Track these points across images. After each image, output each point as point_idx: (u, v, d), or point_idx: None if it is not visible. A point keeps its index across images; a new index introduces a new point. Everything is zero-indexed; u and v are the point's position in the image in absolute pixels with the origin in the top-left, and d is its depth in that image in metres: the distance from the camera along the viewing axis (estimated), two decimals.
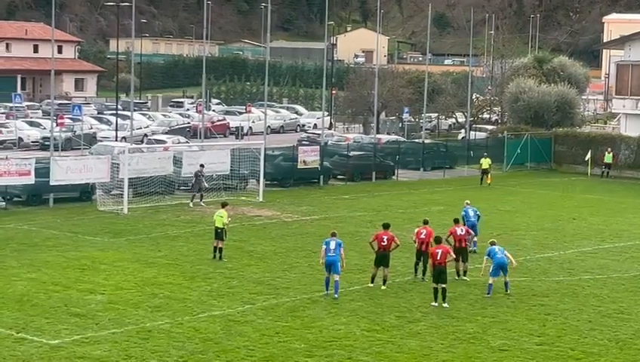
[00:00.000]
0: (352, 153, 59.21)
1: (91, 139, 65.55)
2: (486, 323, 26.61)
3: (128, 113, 60.76)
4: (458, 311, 27.65)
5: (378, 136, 69.33)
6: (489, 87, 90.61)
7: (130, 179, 44.09)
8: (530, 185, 59.21)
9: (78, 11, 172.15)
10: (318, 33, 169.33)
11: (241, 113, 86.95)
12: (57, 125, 54.88)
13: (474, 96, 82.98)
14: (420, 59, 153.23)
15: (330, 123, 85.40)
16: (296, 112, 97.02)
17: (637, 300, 30.02)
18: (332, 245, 28.70)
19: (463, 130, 79.21)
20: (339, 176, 57.66)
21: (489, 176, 58.00)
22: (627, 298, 30.29)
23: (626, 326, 27.03)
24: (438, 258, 28.09)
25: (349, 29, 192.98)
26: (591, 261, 35.83)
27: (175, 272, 31.41)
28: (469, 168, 63.52)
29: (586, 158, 64.59)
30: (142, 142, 66.20)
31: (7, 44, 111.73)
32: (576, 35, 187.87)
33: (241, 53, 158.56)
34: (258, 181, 49.72)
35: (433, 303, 28.16)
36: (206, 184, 46.17)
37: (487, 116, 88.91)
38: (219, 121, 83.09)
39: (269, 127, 71.96)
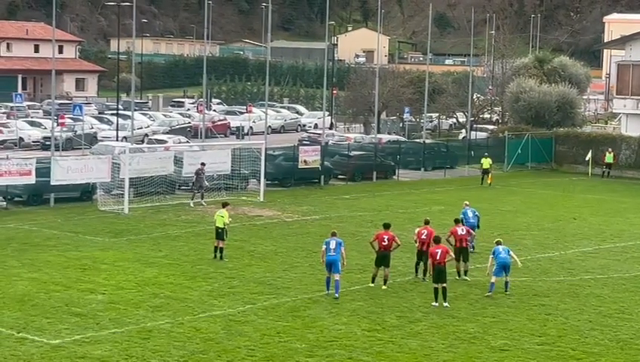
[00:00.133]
0: (352, 153, 59.18)
1: (92, 139, 65.55)
2: (487, 323, 26.61)
3: (129, 113, 60.75)
4: (459, 311, 27.65)
5: (379, 136, 69.27)
6: (490, 87, 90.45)
7: (130, 179, 44.10)
8: (531, 185, 59.20)
9: (79, 11, 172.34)
10: (318, 33, 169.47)
11: (241, 113, 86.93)
12: (58, 125, 54.91)
13: (475, 96, 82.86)
14: (421, 59, 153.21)
15: (331, 123, 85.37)
16: (297, 112, 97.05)
17: (638, 300, 30.00)
18: (332, 245, 28.67)
19: (463, 130, 79.20)
20: (340, 176, 57.62)
21: (490, 176, 57.98)
22: (628, 298, 30.28)
23: (627, 326, 27.02)
24: (438, 257, 28.11)
25: (349, 28, 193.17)
26: (592, 261, 35.83)
27: (176, 272, 31.41)
28: (470, 168, 63.50)
29: (587, 158, 64.59)
30: (143, 142, 66.18)
31: (7, 44, 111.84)
32: (577, 35, 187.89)
33: (241, 53, 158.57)
34: (259, 181, 49.72)
35: (434, 303, 28.16)
36: (207, 183, 46.18)
37: (488, 116, 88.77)
38: (220, 120, 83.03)
39: (269, 126, 71.97)
